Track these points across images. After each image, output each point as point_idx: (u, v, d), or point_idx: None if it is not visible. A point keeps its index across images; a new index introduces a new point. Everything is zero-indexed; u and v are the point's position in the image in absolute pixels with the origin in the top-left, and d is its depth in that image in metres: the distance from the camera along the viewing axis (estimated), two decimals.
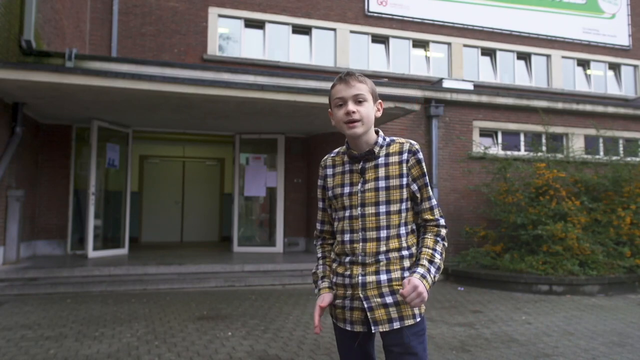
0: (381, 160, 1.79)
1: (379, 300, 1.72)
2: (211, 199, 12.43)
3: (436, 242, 1.78)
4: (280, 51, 12.83)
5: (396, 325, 1.72)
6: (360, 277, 1.74)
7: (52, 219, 8.53)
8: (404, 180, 1.76)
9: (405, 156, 1.78)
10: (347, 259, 1.79)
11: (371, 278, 1.73)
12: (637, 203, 8.07)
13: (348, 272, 1.78)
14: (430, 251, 1.75)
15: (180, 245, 11.05)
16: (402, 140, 1.82)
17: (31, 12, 7.29)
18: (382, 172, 1.78)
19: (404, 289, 1.61)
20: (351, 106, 1.74)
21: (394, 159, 1.78)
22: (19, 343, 4.19)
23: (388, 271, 1.73)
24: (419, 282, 1.61)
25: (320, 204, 1.98)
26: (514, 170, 8.60)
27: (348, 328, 1.81)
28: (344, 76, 1.78)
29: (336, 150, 1.94)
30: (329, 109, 1.87)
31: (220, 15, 12.36)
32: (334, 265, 1.87)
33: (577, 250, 7.44)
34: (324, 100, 7.28)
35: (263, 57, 12.60)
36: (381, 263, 1.73)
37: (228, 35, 12.57)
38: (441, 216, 1.82)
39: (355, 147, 1.82)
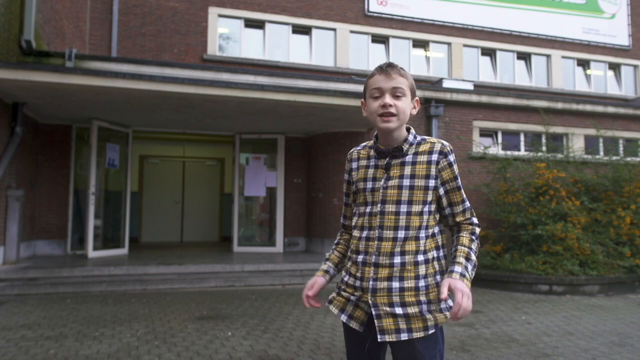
0: (409, 158, 1.71)
1: (387, 309, 1.64)
2: (211, 199, 12.43)
3: (472, 240, 1.72)
4: (280, 51, 12.83)
5: (404, 336, 1.62)
6: (371, 282, 1.67)
7: (52, 219, 8.53)
8: (431, 182, 1.68)
9: (435, 157, 1.70)
10: (360, 257, 1.72)
11: (383, 284, 1.65)
12: (637, 203, 8.07)
13: (359, 274, 1.71)
14: (467, 249, 1.69)
15: (180, 245, 11.05)
16: (434, 140, 1.74)
17: (31, 12, 7.29)
18: (408, 170, 1.70)
19: (442, 295, 1.56)
20: (389, 99, 1.67)
21: (423, 158, 1.70)
22: (19, 343, 4.19)
23: (401, 278, 1.64)
24: (461, 285, 1.56)
25: (344, 199, 1.94)
26: (514, 170, 8.60)
27: (343, 319, 1.75)
28: (385, 67, 1.70)
29: (363, 143, 1.88)
30: (362, 99, 1.80)
31: (220, 15, 12.36)
32: (348, 263, 1.81)
33: (577, 250, 7.44)
34: (324, 100, 7.28)
35: (263, 57, 12.60)
36: (395, 269, 1.65)
37: (228, 35, 12.57)
38: (474, 217, 1.78)
39: (384, 141, 1.76)
